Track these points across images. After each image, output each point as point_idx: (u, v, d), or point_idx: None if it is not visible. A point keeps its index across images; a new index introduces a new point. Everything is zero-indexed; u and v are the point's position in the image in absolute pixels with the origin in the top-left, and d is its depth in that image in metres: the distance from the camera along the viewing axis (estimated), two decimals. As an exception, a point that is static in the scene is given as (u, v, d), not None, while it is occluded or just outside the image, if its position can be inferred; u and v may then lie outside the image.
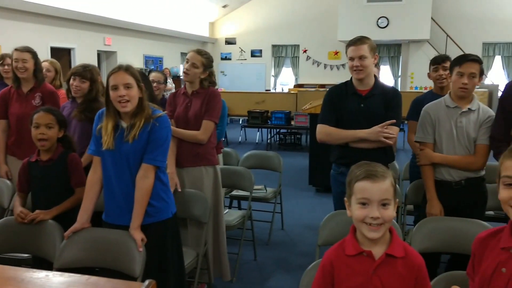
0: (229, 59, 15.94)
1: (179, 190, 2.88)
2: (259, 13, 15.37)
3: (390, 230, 1.53)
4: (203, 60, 2.97)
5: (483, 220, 2.49)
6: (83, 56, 9.48)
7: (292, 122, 8.94)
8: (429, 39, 13.00)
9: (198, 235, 2.92)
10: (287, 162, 7.85)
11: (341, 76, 12.76)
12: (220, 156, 4.12)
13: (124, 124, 2.22)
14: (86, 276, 1.43)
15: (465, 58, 2.59)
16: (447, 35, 13.16)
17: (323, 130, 2.86)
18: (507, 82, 2.76)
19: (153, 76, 4.00)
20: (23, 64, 3.26)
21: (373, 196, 1.46)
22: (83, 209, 2.27)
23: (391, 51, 14.52)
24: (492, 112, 2.64)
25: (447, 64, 3.22)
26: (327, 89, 3.28)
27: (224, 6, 15.10)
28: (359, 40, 2.71)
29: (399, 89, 13.64)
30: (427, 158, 2.67)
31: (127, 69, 2.20)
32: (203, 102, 2.96)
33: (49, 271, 1.50)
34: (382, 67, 14.80)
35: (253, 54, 15.74)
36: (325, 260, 1.56)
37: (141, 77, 3.24)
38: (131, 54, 11.46)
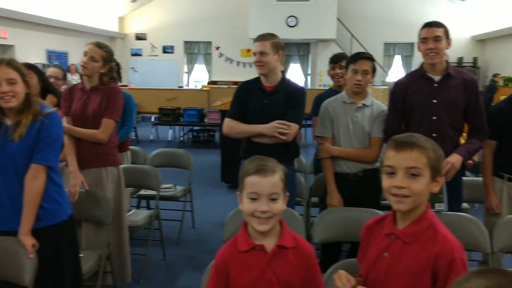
0: (140, 55, 15.52)
1: (87, 188, 2.75)
2: (170, 8, 15.12)
3: (280, 223, 1.56)
4: (103, 54, 2.84)
5: (379, 209, 2.64)
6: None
7: (205, 119, 8.90)
8: (335, 39, 13.58)
9: (98, 237, 2.80)
10: (200, 160, 7.86)
11: (254, 73, 12.84)
12: (128, 154, 3.99)
13: (8, 121, 2.07)
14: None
15: (358, 56, 2.73)
16: (352, 35, 13.84)
17: (227, 124, 2.89)
18: (397, 80, 2.96)
19: (50, 71, 3.77)
20: None
21: (262, 190, 1.48)
22: None
23: (301, 49, 14.98)
24: (384, 107, 2.82)
25: (344, 63, 3.38)
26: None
27: (133, 1, 14.67)
28: (262, 37, 2.76)
29: (309, 87, 14.16)
30: (326, 152, 2.79)
31: (10, 63, 2.04)
32: (102, 99, 2.83)
33: None
34: (292, 65, 15.24)
35: (165, 50, 15.46)
36: (219, 258, 1.56)
37: (34, 70, 3.05)
38: (32, 49, 10.73)
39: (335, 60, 3.57)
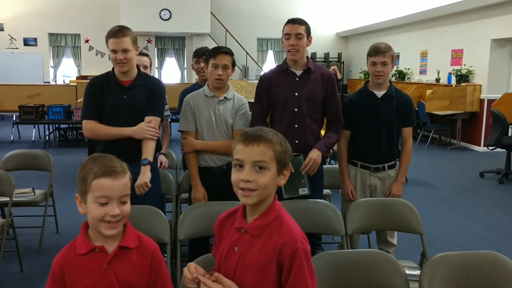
0: (-4, 47, 14.04)
1: None
2: (30, -3, 13.87)
3: (124, 223, 1.51)
4: None
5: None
6: None
7: (73, 117, 8.31)
8: (210, 33, 13.62)
9: None
10: (68, 160, 7.37)
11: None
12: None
13: None
14: None
15: (218, 51, 2.73)
16: (226, 30, 14.00)
17: (87, 126, 2.70)
18: (262, 74, 3.03)
19: None
20: None
21: (113, 194, 1.43)
22: None
23: (176, 43, 14.77)
24: (245, 100, 2.87)
25: None
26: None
27: (-15, -14, 13.20)
28: (121, 32, 2.61)
29: (186, 81, 14.04)
30: (190, 146, 2.76)
31: None
32: None
33: None
34: (168, 59, 14.98)
35: (27, 42, 14.16)
36: (55, 264, 1.48)
37: None
38: None
39: (199, 54, 3.56)
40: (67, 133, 9.22)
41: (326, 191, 3.77)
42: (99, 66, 14.09)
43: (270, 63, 15.31)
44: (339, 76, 10.40)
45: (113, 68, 2.75)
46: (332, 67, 10.45)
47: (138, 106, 2.70)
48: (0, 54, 13.89)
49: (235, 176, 1.42)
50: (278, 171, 1.42)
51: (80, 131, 9.12)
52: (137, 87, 2.71)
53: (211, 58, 2.72)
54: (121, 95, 2.68)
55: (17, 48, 14.11)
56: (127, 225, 1.52)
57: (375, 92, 2.99)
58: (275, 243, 1.38)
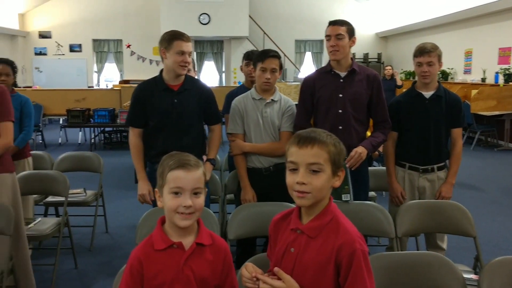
0: (45, 54, 14.61)
1: None
2: (76, 5, 14.39)
3: (197, 221, 1.55)
4: None
5: (292, 202, 2.69)
6: None
7: (117, 120, 8.57)
8: (248, 36, 13.73)
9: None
10: (112, 162, 7.59)
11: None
12: (29, 160, 3.74)
13: None
14: None
15: (266, 55, 2.76)
16: (264, 33, 14.07)
17: (131, 140, 2.84)
18: (305, 76, 3.05)
19: None
20: None
21: (186, 185, 1.46)
22: None
23: (214, 47, 14.96)
24: (291, 102, 2.89)
25: None
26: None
27: (34, -4, 13.77)
28: (187, 35, 2.68)
29: (224, 84, 14.21)
30: (238, 148, 2.80)
31: None
32: None
33: None
34: (206, 62, 15.18)
35: (72, 49, 14.69)
36: (133, 258, 1.51)
37: None
38: None
39: (250, 56, 3.54)
40: (112, 136, 9.50)
41: (371, 194, 3.73)
42: (140, 71, 14.49)
43: (308, 65, 15.26)
44: (399, 82, 10.12)
45: (160, 73, 2.80)
46: (391, 70, 10.18)
47: (188, 110, 2.75)
48: (48, 60, 14.50)
49: (290, 178, 1.42)
50: (333, 173, 1.42)
51: (124, 134, 9.38)
52: (187, 91, 2.76)
53: (259, 62, 2.75)
54: (172, 99, 2.73)
55: (63, 54, 14.67)
56: (200, 224, 1.56)
57: (423, 93, 2.94)
58: (332, 244, 1.38)
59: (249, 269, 1.42)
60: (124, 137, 9.43)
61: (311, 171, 1.38)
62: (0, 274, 2.48)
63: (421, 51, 2.85)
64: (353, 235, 1.39)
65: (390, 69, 10.21)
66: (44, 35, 14.58)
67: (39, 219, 3.37)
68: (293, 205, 2.59)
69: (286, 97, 2.91)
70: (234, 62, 14.30)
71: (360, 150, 2.69)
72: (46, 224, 3.28)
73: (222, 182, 3.53)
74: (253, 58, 3.50)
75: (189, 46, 2.67)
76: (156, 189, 1.55)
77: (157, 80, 2.77)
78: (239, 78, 14.12)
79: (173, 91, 2.74)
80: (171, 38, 2.64)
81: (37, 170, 3.65)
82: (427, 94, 2.93)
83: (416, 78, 3.00)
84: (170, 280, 1.47)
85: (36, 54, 14.57)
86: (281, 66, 2.80)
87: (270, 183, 2.81)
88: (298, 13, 14.86)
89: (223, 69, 15.11)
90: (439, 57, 2.88)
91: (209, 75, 15.32)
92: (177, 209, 1.46)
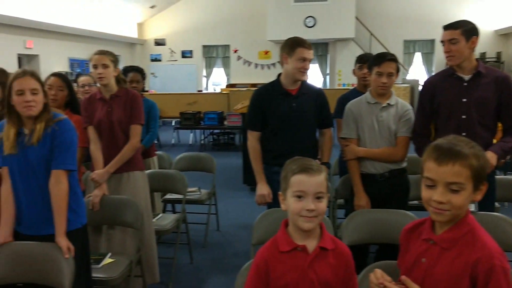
0: (159, 60, 15.67)
1: (106, 193, 2.81)
2: (188, 13, 15.23)
3: (320, 225, 1.57)
4: (111, 58, 2.88)
5: (407, 209, 2.61)
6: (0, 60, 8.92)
7: (225, 122, 8.94)
8: (354, 38, 13.49)
9: (126, 242, 2.84)
10: (221, 163, 7.85)
11: (272, 75, 12.79)
12: (155, 160, 4.04)
13: (26, 130, 2.17)
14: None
15: (383, 58, 2.69)
16: (371, 34, 13.72)
17: (250, 145, 2.93)
18: (426, 79, 2.93)
19: (82, 80, 3.85)
20: None
21: (309, 189, 1.49)
22: (4, 223, 2.18)
23: (319, 49, 14.90)
24: (409, 106, 2.79)
25: None
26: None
27: (152, 7, 14.81)
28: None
29: (328, 87, 14.10)
30: (352, 153, 2.77)
31: (33, 74, 2.17)
32: (125, 106, 2.88)
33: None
34: (311, 65, 15.17)
35: (184, 55, 15.58)
36: (259, 259, 1.56)
37: (67, 84, 3.11)
38: (55, 57, 10.93)
39: (364, 59, 3.48)
40: (220, 138, 9.91)
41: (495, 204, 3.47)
42: (246, 75, 14.93)
43: (417, 66, 14.60)
44: None
45: (278, 77, 2.88)
46: None
47: (306, 114, 2.81)
48: (162, 66, 15.53)
49: (426, 194, 1.37)
50: (474, 188, 1.34)
51: (231, 136, 9.75)
52: (305, 95, 2.82)
53: (375, 66, 2.69)
54: (290, 103, 2.80)
55: (176, 60, 15.60)
56: (323, 228, 1.58)
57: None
58: (467, 257, 1.32)
59: (377, 275, 1.40)
60: (231, 139, 9.79)
61: (451, 190, 1.32)
62: (129, 264, 2.71)
63: None
64: (492, 250, 1.31)
65: None
66: (159, 43, 15.63)
67: (161, 214, 3.63)
68: (410, 213, 2.52)
69: (403, 101, 2.82)
70: (339, 64, 14.13)
71: (489, 156, 2.51)
72: (166, 219, 3.53)
73: (332, 186, 3.51)
74: (367, 61, 3.45)
75: (310, 54, 2.72)
76: (279, 192, 1.60)
77: (275, 85, 2.86)
78: (344, 80, 13.92)
79: (291, 95, 2.81)
80: (294, 45, 2.71)
81: (159, 169, 3.93)
82: None
83: None
84: (295, 282, 1.50)
85: (151, 60, 15.67)
86: (398, 69, 2.72)
87: (385, 189, 2.74)
88: (406, 12, 14.25)
89: (327, 72, 15.01)
90: None
91: (313, 77, 15.31)
92: (300, 212, 1.49)
